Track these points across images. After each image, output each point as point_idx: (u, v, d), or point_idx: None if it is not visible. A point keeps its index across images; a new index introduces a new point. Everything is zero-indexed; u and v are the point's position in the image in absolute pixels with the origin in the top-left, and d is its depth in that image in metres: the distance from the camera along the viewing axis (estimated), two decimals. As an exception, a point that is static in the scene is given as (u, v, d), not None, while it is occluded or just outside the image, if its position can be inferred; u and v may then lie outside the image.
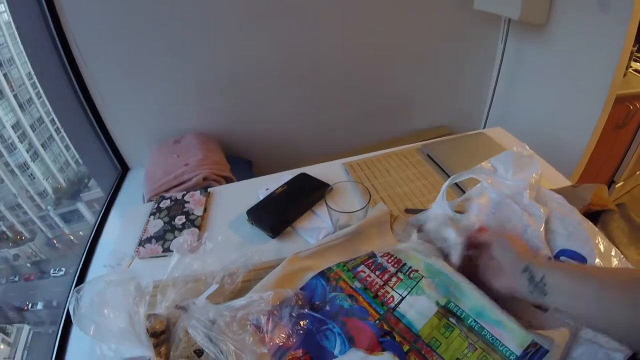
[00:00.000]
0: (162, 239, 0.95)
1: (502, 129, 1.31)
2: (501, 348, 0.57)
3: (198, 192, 1.11)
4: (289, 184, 1.05)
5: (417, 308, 0.62)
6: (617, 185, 2.16)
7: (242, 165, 2.04)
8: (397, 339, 0.59)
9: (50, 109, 1.91)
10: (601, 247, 0.64)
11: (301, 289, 0.70)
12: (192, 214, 1.02)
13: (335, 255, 0.76)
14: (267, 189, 1.07)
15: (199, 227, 0.98)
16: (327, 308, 0.65)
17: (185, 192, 1.11)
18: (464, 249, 0.67)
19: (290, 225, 0.96)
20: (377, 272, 0.68)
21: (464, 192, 0.92)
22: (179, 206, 1.05)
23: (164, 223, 1.00)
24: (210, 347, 0.57)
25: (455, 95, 2.49)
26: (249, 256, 0.76)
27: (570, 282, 0.52)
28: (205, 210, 1.05)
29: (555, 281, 0.53)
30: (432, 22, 2.14)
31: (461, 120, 2.56)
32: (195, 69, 1.86)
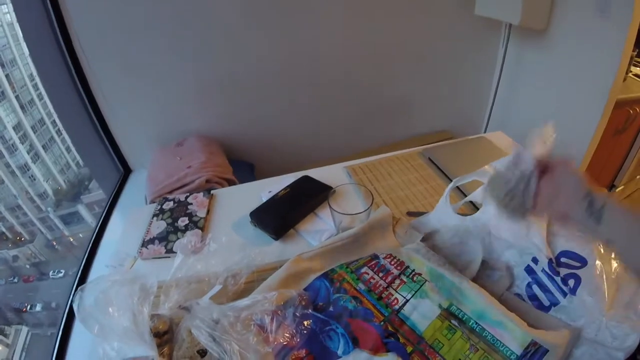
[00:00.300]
0: (165, 240, 0.96)
1: (503, 133, 1.32)
2: (502, 348, 0.57)
3: (201, 194, 1.11)
4: (292, 186, 1.05)
5: (420, 310, 0.63)
6: (617, 189, 2.17)
7: (244, 169, 2.04)
8: (401, 340, 0.60)
9: (52, 110, 1.91)
10: (601, 248, 0.64)
11: (305, 289, 0.71)
12: (195, 215, 1.02)
13: (338, 256, 0.77)
14: (270, 192, 1.07)
15: (202, 229, 0.99)
16: (331, 309, 0.65)
17: (188, 194, 1.11)
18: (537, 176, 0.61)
19: (293, 228, 0.96)
20: (381, 274, 0.69)
21: (465, 195, 0.93)
22: (182, 208, 1.06)
23: (167, 224, 1.00)
24: (214, 346, 0.57)
25: (456, 100, 2.50)
26: (252, 257, 0.77)
27: (626, 216, 0.53)
28: (208, 212, 1.05)
29: (613, 213, 0.53)
30: (433, 27, 2.15)
31: (462, 124, 2.57)
32: (198, 71, 1.87)
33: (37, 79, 1.82)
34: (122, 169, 2.01)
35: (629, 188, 2.27)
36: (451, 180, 0.80)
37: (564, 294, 0.63)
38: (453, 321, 0.61)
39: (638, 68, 2.00)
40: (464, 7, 2.09)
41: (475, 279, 0.69)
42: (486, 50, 2.31)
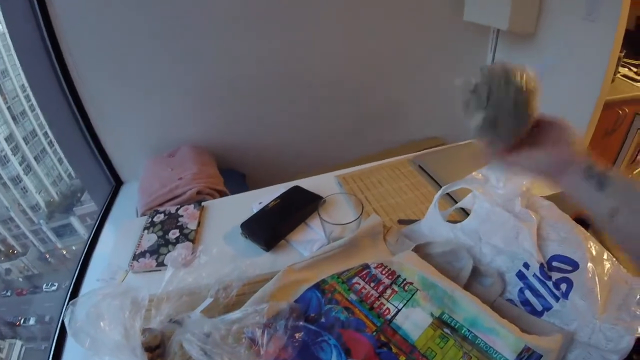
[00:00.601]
0: (156, 253, 0.95)
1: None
2: (495, 355, 0.57)
3: (192, 206, 1.10)
4: (282, 197, 1.05)
5: (412, 320, 0.63)
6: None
7: (235, 178, 2.04)
8: (394, 350, 0.59)
9: (44, 122, 1.91)
10: (593, 251, 0.65)
11: (296, 301, 0.70)
12: (186, 227, 1.02)
13: (329, 266, 0.76)
14: (260, 203, 1.07)
15: (193, 241, 0.98)
16: (323, 320, 0.65)
17: (179, 206, 1.11)
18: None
19: (284, 238, 0.96)
20: (372, 284, 0.69)
21: (455, 202, 0.93)
22: (172, 220, 1.05)
23: (158, 237, 1.00)
24: (206, 360, 0.57)
25: (446, 106, 2.51)
26: (243, 269, 0.76)
27: (633, 185, 0.50)
28: (199, 224, 1.05)
29: (619, 180, 0.50)
30: (422, 33, 2.17)
31: (453, 130, 2.57)
32: (189, 81, 1.87)
33: (29, 90, 1.81)
34: (114, 180, 2.00)
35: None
36: (441, 187, 0.80)
37: (557, 299, 0.63)
38: (445, 329, 0.61)
39: (626, 69, 2.02)
40: (452, 14, 2.11)
41: (467, 286, 0.69)
42: (475, 55, 2.33)
